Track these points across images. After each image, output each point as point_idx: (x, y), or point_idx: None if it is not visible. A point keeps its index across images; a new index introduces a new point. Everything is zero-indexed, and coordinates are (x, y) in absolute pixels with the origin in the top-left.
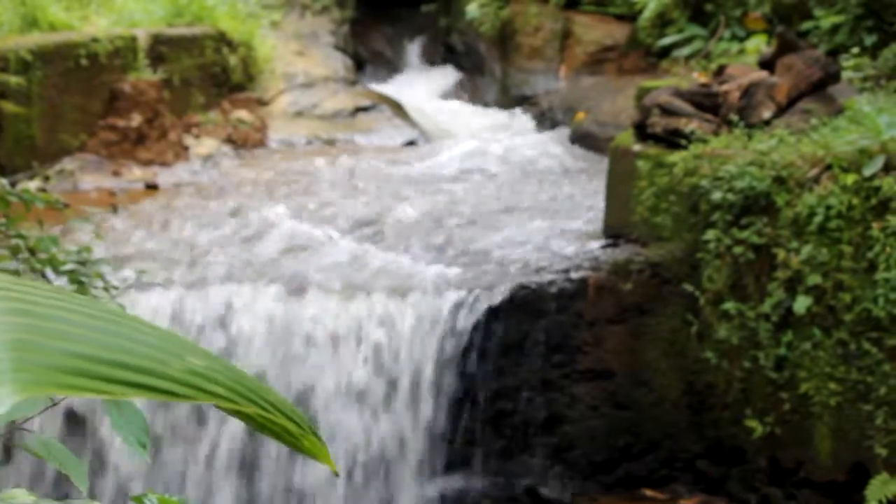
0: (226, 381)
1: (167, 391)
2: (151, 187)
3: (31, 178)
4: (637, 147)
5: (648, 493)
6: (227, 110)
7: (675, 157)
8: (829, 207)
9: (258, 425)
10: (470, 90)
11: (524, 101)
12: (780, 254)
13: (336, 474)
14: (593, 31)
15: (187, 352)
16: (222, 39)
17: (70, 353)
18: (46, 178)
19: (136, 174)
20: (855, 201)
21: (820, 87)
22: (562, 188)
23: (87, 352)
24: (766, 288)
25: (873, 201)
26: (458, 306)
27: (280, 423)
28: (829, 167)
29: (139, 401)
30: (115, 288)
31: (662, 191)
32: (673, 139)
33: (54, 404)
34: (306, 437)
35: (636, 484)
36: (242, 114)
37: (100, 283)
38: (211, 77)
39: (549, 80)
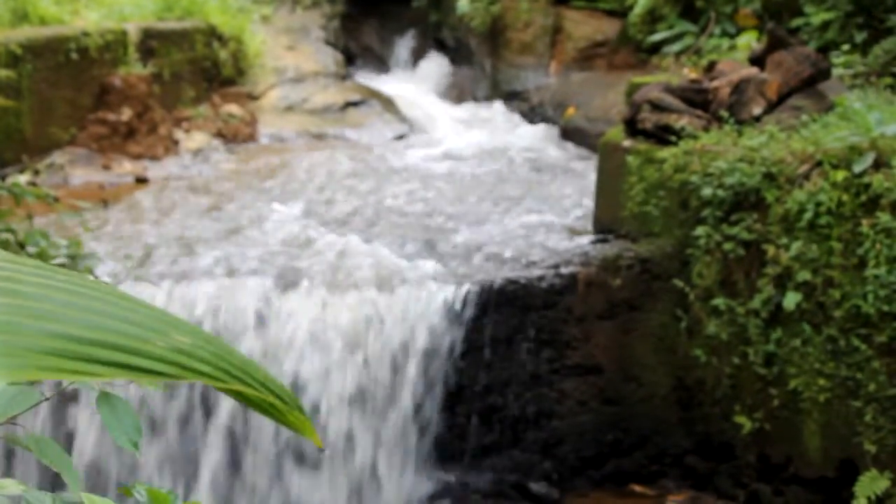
0: (212, 358)
1: (150, 370)
2: (141, 181)
3: (21, 171)
4: (627, 143)
5: (637, 488)
6: (217, 105)
7: (665, 152)
8: (818, 204)
9: (246, 400)
10: (460, 85)
11: (514, 97)
12: (770, 250)
13: (321, 448)
14: (584, 26)
15: (173, 328)
16: (213, 34)
17: (55, 335)
18: (36, 172)
19: (126, 168)
20: (845, 198)
21: (810, 83)
22: (551, 183)
23: (72, 332)
24: (756, 284)
25: (863, 198)
26: (447, 301)
27: (268, 400)
28: (819, 164)
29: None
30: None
31: (652, 186)
32: (663, 135)
33: (46, 399)
34: (292, 413)
35: (625, 479)
36: (232, 108)
37: (90, 278)
38: (201, 71)
39: (539, 75)
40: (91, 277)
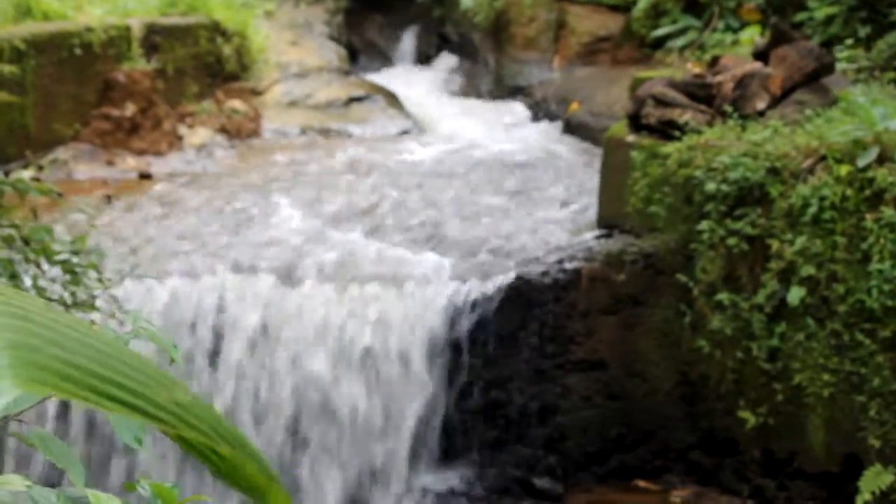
0: (207, 418)
1: (155, 416)
2: (145, 177)
3: (25, 167)
4: (631, 138)
5: (641, 483)
6: (220, 100)
7: (669, 147)
8: (822, 198)
9: (221, 472)
10: (464, 81)
11: (518, 92)
12: (774, 245)
13: None
14: (587, 21)
15: (174, 386)
16: (216, 29)
17: (65, 361)
18: (40, 168)
19: (129, 164)
20: (849, 192)
21: (814, 78)
22: (555, 178)
23: (80, 363)
24: (760, 279)
25: (867, 192)
26: (452, 296)
27: (248, 472)
28: (823, 158)
29: None
30: (109, 280)
31: (656, 182)
32: (667, 130)
33: (50, 396)
34: (272, 491)
35: (629, 475)
36: (236, 103)
37: (93, 274)
38: (205, 67)
39: (543, 70)
40: (102, 330)
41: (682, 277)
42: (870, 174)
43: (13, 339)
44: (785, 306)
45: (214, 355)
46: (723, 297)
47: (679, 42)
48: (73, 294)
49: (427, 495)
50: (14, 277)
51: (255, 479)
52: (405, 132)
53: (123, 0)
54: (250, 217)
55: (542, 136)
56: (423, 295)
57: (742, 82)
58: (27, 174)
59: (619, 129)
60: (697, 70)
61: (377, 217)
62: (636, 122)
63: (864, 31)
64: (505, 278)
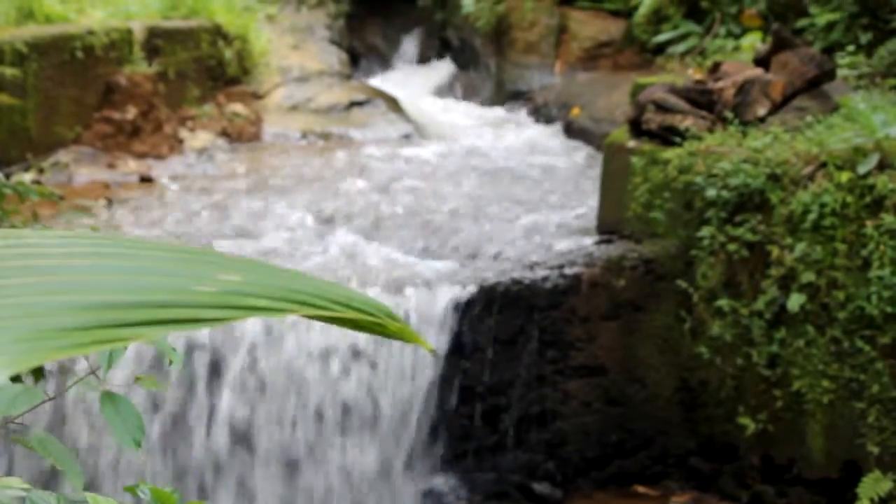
0: (268, 290)
1: (194, 319)
2: (146, 180)
3: (26, 170)
4: (631, 143)
5: (640, 489)
6: (222, 104)
7: (670, 153)
8: (823, 205)
9: (331, 320)
10: (465, 85)
11: (519, 97)
12: (774, 251)
13: (433, 352)
14: (588, 26)
15: (217, 269)
16: (218, 33)
17: (81, 306)
18: (41, 171)
19: (130, 167)
20: (849, 199)
21: (815, 84)
22: (555, 184)
23: (100, 300)
24: (760, 285)
25: (867, 199)
26: (451, 301)
27: (351, 318)
28: (823, 165)
29: (135, 397)
30: None
31: (657, 187)
32: (667, 136)
33: (51, 398)
34: (388, 323)
35: (629, 480)
36: (237, 107)
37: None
38: (206, 70)
39: (544, 75)
40: (128, 236)
41: (682, 283)
42: (870, 181)
43: (15, 305)
44: (785, 313)
45: (214, 360)
46: (723, 303)
47: (680, 48)
48: None
49: (426, 500)
50: None
51: (362, 322)
52: (406, 136)
53: (125, 3)
54: (250, 220)
55: (543, 141)
56: (422, 300)
57: (743, 88)
58: (28, 177)
59: (620, 134)
60: (698, 76)
61: (377, 221)
62: (637, 127)
63: (865, 38)
64: (505, 283)
